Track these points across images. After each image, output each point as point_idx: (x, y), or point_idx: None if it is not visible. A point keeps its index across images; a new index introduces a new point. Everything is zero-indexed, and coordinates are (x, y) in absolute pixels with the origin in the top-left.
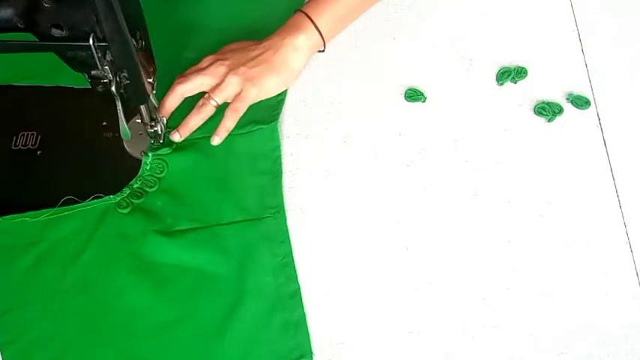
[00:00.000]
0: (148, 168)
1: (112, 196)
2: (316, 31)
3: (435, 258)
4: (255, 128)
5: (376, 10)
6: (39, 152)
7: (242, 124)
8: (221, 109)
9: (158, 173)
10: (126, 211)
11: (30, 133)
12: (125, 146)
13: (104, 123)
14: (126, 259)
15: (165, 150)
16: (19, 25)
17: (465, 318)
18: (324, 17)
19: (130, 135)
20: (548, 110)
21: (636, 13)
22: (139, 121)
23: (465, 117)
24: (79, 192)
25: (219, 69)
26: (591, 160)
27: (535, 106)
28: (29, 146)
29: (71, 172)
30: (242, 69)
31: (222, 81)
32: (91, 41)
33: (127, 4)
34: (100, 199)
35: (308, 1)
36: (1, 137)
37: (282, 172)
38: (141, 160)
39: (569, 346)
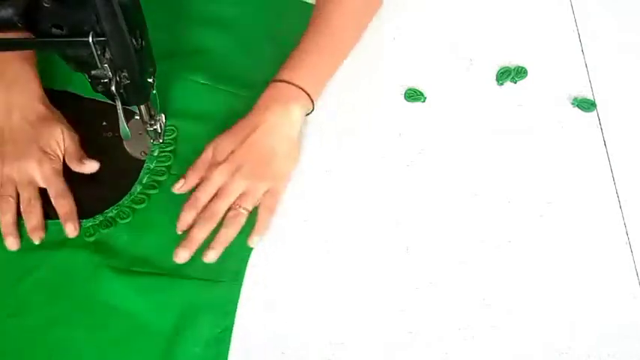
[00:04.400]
0: (130, 198)
1: (83, 220)
2: (306, 95)
3: (435, 258)
4: None
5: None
6: None
7: None
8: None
9: (138, 203)
10: (91, 239)
11: None
12: (125, 146)
13: (104, 123)
14: (71, 290)
15: (153, 190)
16: (19, 25)
17: (465, 318)
18: (307, 79)
19: (130, 135)
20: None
21: (636, 13)
22: (139, 117)
23: (465, 117)
24: (79, 192)
25: (240, 183)
26: (591, 160)
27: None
28: None
29: (71, 172)
30: (259, 171)
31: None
32: (90, 38)
33: (127, 4)
34: None
35: (282, 70)
36: None
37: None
38: (140, 160)
39: (569, 346)
